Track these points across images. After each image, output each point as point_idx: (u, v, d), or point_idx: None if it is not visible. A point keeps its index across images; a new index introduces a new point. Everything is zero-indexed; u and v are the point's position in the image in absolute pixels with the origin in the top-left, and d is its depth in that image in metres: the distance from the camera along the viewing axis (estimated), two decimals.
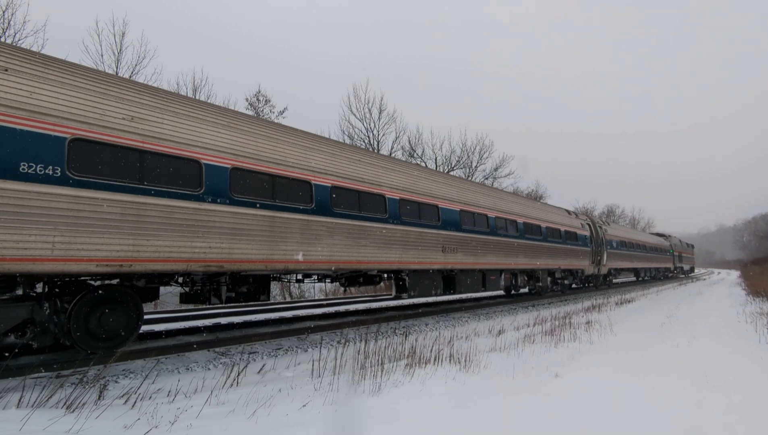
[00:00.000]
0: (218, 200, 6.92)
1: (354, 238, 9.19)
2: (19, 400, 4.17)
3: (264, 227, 7.53)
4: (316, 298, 20.50)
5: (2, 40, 13.84)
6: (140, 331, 7.29)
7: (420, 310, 13.80)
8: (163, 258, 6.27)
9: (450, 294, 12.86)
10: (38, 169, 5.20)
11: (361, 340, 6.63)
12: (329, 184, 8.80)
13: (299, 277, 10.06)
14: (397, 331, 9.61)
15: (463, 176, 29.47)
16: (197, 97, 18.52)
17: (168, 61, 32.66)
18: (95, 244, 5.62)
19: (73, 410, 3.97)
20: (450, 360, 5.91)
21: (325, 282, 10.83)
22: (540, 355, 6.65)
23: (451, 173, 28.61)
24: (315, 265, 8.50)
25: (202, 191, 6.74)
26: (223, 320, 10.73)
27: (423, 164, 27.46)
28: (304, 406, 4.26)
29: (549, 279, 18.74)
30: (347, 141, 26.03)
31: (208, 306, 11.45)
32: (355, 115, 27.20)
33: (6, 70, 5.21)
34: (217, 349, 7.53)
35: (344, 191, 9.13)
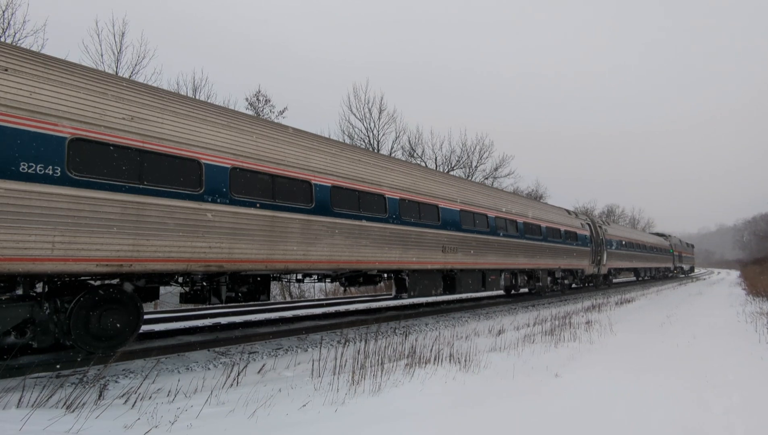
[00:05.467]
0: (218, 200, 6.92)
1: (354, 238, 9.19)
2: (19, 400, 4.16)
3: (264, 227, 7.53)
4: (316, 298, 20.50)
5: (2, 40, 13.83)
6: (140, 331, 7.29)
7: (420, 310, 13.81)
8: (163, 258, 6.28)
9: (450, 294, 12.87)
10: (38, 168, 5.20)
11: (361, 340, 6.63)
12: (329, 184, 8.80)
13: (299, 276, 10.06)
14: (397, 330, 9.61)
15: (463, 176, 29.47)
16: (197, 97, 18.52)
17: (168, 61, 32.72)
18: (95, 243, 5.63)
19: (73, 410, 3.97)
20: (450, 360, 5.91)
21: (325, 282, 10.83)
22: (540, 354, 6.65)
23: (451, 173, 28.61)
24: (315, 264, 8.50)
25: (202, 191, 6.74)
26: (223, 320, 10.73)
27: (423, 164, 27.46)
28: (304, 405, 4.26)
29: (549, 279, 18.74)
30: (347, 141, 26.03)
31: (208, 306, 11.45)
32: (355, 114, 27.24)
33: (6, 70, 5.21)
34: (217, 349, 7.53)
35: (344, 191, 9.13)
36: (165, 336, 8.64)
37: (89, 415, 3.85)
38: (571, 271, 20.63)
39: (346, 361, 5.68)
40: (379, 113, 27.40)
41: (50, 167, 5.30)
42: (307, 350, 7.71)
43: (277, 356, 7.19)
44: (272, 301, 17.82)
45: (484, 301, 17.01)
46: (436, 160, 30.33)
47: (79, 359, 6.15)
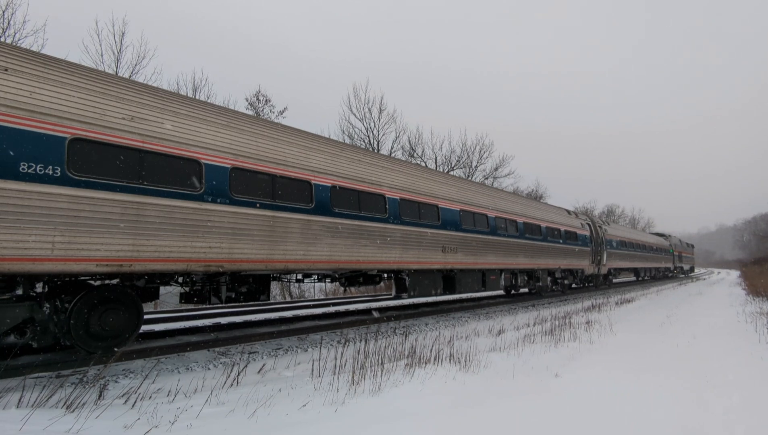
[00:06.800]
0: (218, 200, 6.92)
1: (354, 238, 9.19)
2: (19, 400, 4.17)
3: (264, 227, 7.53)
4: (316, 298, 20.50)
5: (2, 40, 13.83)
6: (140, 331, 7.29)
7: (420, 310, 13.80)
8: (163, 258, 6.27)
9: (450, 294, 12.86)
10: (38, 169, 5.20)
11: (361, 340, 6.63)
12: (329, 184, 8.80)
13: (299, 276, 10.06)
14: (397, 330, 9.61)
15: (463, 176, 29.47)
16: (197, 97, 18.51)
17: (168, 61, 32.67)
18: (95, 243, 5.62)
19: (73, 410, 3.97)
20: (450, 360, 5.91)
21: (325, 282, 10.83)
22: (540, 354, 6.65)
23: (451, 173, 28.61)
24: (315, 264, 8.50)
25: (202, 191, 6.74)
26: (223, 320, 10.73)
27: (423, 164, 27.47)
28: (304, 405, 4.26)
29: (549, 279, 18.74)
30: (347, 141, 26.03)
31: (208, 306, 11.47)
32: (355, 114, 27.24)
33: (6, 70, 5.21)
34: (217, 349, 7.53)
35: (344, 191, 9.13)
36: (165, 336, 8.64)
37: (89, 415, 3.85)
38: (571, 271, 20.63)
39: (346, 361, 5.68)
40: (379, 113, 27.43)
41: (50, 167, 5.30)
42: (307, 350, 7.71)
43: (277, 356, 7.19)
44: (272, 301, 17.82)
45: (484, 301, 17.01)
46: (436, 160, 30.36)
47: (79, 359, 6.16)
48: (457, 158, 31.08)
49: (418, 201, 11.09)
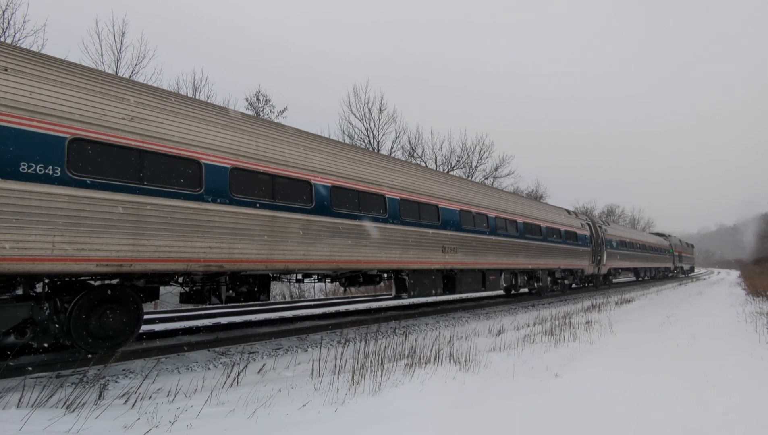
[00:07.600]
0: (218, 200, 6.92)
1: (354, 238, 9.19)
2: (19, 400, 4.17)
3: (264, 227, 7.53)
4: (316, 298, 20.50)
5: (2, 39, 13.83)
6: (140, 331, 7.29)
7: (420, 310, 13.80)
8: (163, 258, 6.27)
9: (450, 294, 12.86)
10: (38, 168, 5.20)
11: (361, 340, 6.63)
12: (329, 184, 8.80)
13: (299, 276, 10.06)
14: (397, 330, 9.61)
15: (463, 176, 29.47)
16: (197, 97, 18.51)
17: (168, 61, 32.69)
18: (95, 243, 5.62)
19: (73, 410, 3.97)
20: (450, 360, 5.91)
21: (325, 282, 10.83)
22: (540, 354, 6.66)
23: (451, 173, 28.61)
24: (315, 264, 8.50)
25: (202, 191, 6.74)
26: (223, 320, 10.73)
27: (423, 164, 27.47)
28: (304, 405, 4.26)
29: (549, 279, 18.74)
30: (347, 141, 26.03)
31: (208, 306, 11.46)
32: (355, 114, 27.24)
33: (6, 70, 5.21)
34: (217, 349, 7.53)
35: (344, 191, 9.13)
36: (165, 336, 8.64)
37: (89, 415, 3.85)
38: (571, 271, 20.63)
39: (346, 361, 5.68)
40: (379, 113, 27.42)
41: (50, 167, 5.29)
42: (307, 350, 7.71)
43: (277, 356, 7.19)
44: (272, 301, 17.81)
45: (484, 301, 17.01)
46: (436, 160, 30.36)
47: (79, 359, 6.16)
48: (457, 158, 31.13)
49: (418, 201, 11.09)
